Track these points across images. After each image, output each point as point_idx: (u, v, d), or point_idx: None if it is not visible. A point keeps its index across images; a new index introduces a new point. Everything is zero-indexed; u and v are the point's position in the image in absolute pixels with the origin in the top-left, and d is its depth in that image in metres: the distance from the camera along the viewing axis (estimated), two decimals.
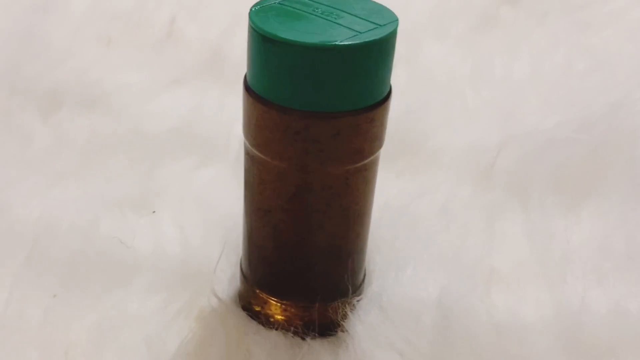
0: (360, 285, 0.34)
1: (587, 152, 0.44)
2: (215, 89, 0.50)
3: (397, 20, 0.28)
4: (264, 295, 0.33)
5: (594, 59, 0.59)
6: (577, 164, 0.43)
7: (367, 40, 0.26)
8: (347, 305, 0.33)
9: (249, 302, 0.34)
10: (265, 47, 0.27)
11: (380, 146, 0.30)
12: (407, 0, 0.60)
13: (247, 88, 0.29)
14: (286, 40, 0.26)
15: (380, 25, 0.27)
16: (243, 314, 0.33)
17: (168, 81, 0.51)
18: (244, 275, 0.34)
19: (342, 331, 0.32)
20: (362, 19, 0.27)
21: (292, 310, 0.33)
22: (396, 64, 0.55)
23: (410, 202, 0.41)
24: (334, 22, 0.27)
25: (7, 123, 0.45)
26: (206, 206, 0.39)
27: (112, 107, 0.47)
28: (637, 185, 0.42)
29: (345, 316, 0.32)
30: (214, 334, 0.31)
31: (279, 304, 0.33)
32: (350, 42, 0.26)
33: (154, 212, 0.37)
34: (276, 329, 0.33)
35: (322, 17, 0.27)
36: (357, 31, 0.26)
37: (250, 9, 0.28)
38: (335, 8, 0.28)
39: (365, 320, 0.32)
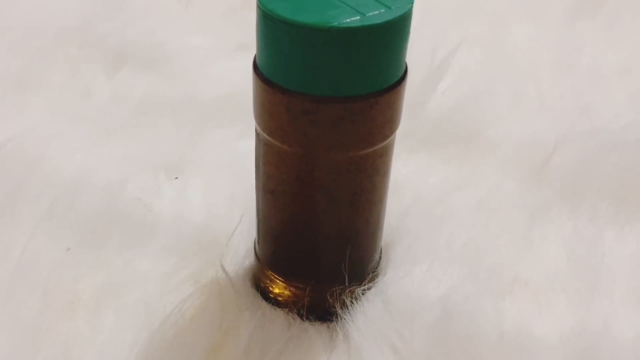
0: (370, 274, 0.33)
1: None
2: None
3: (412, 3, 0.26)
4: (270, 274, 0.33)
5: None
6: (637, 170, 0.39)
7: (367, 24, 0.24)
8: (350, 293, 0.32)
9: (258, 279, 0.34)
10: (268, 26, 0.26)
11: (391, 133, 0.29)
12: None
13: (255, 69, 0.28)
14: (283, 18, 0.25)
15: (390, 8, 0.25)
16: (248, 289, 0.33)
17: (234, 47, 0.51)
18: (255, 252, 0.34)
19: (342, 319, 0.32)
20: (375, 0, 0.26)
21: (296, 291, 0.32)
22: (474, 43, 0.52)
23: (448, 194, 0.39)
24: (342, 2, 0.26)
25: (72, 76, 0.47)
26: (236, 178, 0.39)
27: (172, 69, 0.48)
28: None
29: (344, 304, 0.31)
30: (209, 302, 0.32)
31: (284, 284, 0.33)
32: (347, 25, 0.24)
33: (176, 178, 0.38)
34: (278, 308, 0.33)
35: None
36: (362, 13, 0.25)
37: None
38: None
39: (366, 311, 0.31)
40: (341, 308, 0.31)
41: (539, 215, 0.38)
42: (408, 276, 0.33)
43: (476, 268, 0.34)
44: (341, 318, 0.31)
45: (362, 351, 0.30)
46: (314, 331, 0.32)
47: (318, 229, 0.30)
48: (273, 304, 0.33)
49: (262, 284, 0.33)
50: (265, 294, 0.33)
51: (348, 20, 0.24)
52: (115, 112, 0.44)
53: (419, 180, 0.40)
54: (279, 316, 0.32)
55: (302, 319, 0.32)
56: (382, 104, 0.27)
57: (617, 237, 0.36)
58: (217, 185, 0.39)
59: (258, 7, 0.26)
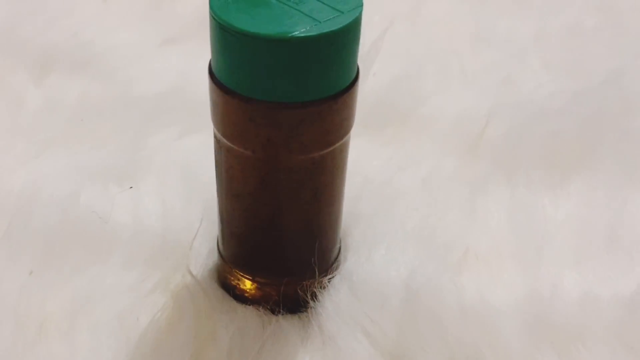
0: (334, 262, 0.34)
1: (579, 125, 0.43)
2: (205, 52, 0.49)
3: (361, 5, 0.27)
4: (237, 272, 0.34)
5: (605, 16, 0.57)
6: (568, 138, 0.42)
7: (325, 31, 0.25)
8: (318, 284, 0.33)
9: (225, 278, 0.35)
10: (226, 38, 0.26)
11: (349, 130, 0.30)
12: None
13: (213, 77, 0.28)
14: (242, 30, 0.25)
15: (342, 13, 0.26)
16: (217, 290, 0.34)
17: (160, 42, 0.51)
18: (219, 251, 0.34)
19: (312, 309, 0.33)
20: (326, 4, 0.27)
21: (265, 288, 0.33)
22: (395, 21, 0.54)
23: (393, 175, 0.40)
24: (295, 9, 0.26)
25: None
26: (188, 177, 0.39)
27: (102, 70, 0.47)
28: (627, 162, 0.41)
29: (314, 294, 0.33)
30: (183, 310, 0.32)
31: (252, 282, 0.33)
32: (307, 34, 0.25)
33: (131, 187, 0.38)
34: (248, 305, 0.34)
35: (283, 3, 0.27)
36: (317, 20, 0.26)
37: None
38: None
39: (334, 299, 0.33)
40: (311, 299, 0.33)
41: (480, 188, 0.40)
42: (368, 261, 0.35)
43: (431, 245, 0.36)
44: (312, 308, 0.33)
45: (336, 339, 0.31)
46: (288, 324, 0.33)
47: (284, 227, 0.31)
48: (243, 302, 0.34)
49: (230, 283, 0.34)
50: (234, 293, 0.34)
51: (307, 28, 0.25)
52: (51, 121, 0.43)
53: (366, 164, 0.41)
54: (252, 314, 0.33)
55: (275, 314, 0.33)
56: (340, 105, 0.28)
57: (552, 202, 0.39)
58: (171, 188, 0.39)
59: (213, 18, 0.26)
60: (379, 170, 0.41)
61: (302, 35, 0.25)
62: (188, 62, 0.48)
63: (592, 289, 0.33)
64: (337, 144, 0.29)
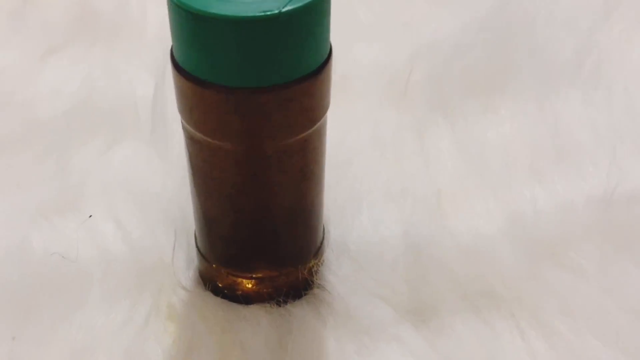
0: (323, 238, 0.34)
1: (491, 50, 0.44)
2: (97, 53, 0.46)
3: None
4: (232, 275, 0.32)
5: None
6: (485, 65, 0.44)
7: (304, 3, 0.24)
8: (317, 264, 0.32)
9: (215, 283, 0.33)
10: (201, 27, 0.24)
11: (327, 107, 0.29)
12: None
13: (180, 71, 0.26)
14: (220, 16, 0.23)
15: None
16: (214, 298, 0.32)
17: (42, 53, 0.46)
18: (202, 256, 0.32)
19: (318, 288, 0.32)
20: None
21: (262, 281, 0.32)
22: None
23: (343, 139, 0.40)
24: None
25: None
26: (134, 191, 0.36)
27: None
28: (543, 74, 0.43)
29: (317, 273, 0.32)
30: (193, 328, 0.30)
31: (250, 280, 0.32)
32: (293, 6, 0.24)
33: (90, 216, 0.34)
34: (251, 304, 0.32)
35: None
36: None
37: None
38: None
39: (339, 274, 0.32)
40: (314, 281, 0.32)
41: (423, 130, 0.41)
42: (357, 228, 0.35)
43: (406, 197, 0.36)
44: (319, 289, 0.32)
45: (354, 311, 0.31)
46: (300, 311, 0.32)
47: (278, 215, 0.30)
48: (246, 303, 0.32)
49: (220, 285, 0.32)
50: (233, 296, 0.32)
51: (278, 5, 0.24)
52: None
53: None
54: (260, 312, 0.32)
55: (280, 305, 0.32)
56: (323, 78, 0.27)
57: (491, 125, 0.41)
58: (122, 207, 0.36)
59: (177, 6, 0.24)
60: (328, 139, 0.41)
61: (288, 9, 0.23)
62: (81, 69, 0.44)
63: (565, 198, 0.36)
64: (320, 121, 0.28)
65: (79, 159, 0.38)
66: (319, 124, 0.28)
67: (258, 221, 0.30)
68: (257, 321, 0.31)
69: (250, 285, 0.32)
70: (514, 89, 0.43)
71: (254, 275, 0.32)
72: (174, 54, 0.26)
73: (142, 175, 0.38)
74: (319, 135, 0.29)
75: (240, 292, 0.32)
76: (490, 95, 0.43)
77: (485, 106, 0.42)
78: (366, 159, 0.39)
